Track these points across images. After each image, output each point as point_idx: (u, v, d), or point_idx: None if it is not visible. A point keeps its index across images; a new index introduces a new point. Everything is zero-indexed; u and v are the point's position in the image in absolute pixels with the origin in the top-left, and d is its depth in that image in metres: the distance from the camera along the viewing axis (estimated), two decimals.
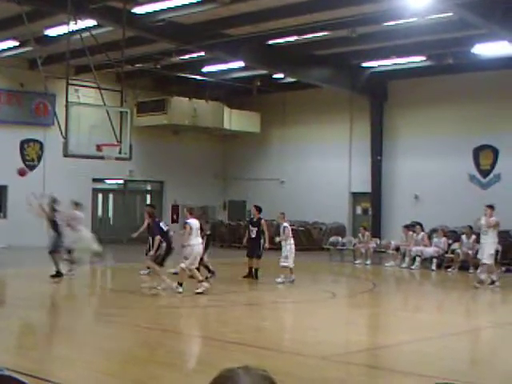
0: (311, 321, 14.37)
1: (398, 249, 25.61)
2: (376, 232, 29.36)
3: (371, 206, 31.24)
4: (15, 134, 29.70)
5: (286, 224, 19.89)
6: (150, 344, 11.67)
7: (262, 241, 20.06)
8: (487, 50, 24.23)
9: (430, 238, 25.44)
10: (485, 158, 27.84)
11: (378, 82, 29.94)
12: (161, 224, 17.71)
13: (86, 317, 14.89)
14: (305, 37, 24.12)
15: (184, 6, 20.38)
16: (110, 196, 34.58)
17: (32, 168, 30.36)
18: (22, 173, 22.18)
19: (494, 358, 11.63)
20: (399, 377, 9.59)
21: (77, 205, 20.61)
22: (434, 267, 24.19)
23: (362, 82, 29.45)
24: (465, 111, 28.23)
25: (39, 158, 30.56)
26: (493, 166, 27.65)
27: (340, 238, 28.74)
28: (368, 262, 26.09)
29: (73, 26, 20.83)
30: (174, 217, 34.22)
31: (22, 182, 29.63)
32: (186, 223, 16.96)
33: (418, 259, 24.75)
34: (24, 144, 30.27)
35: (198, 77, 30.48)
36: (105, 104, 22.23)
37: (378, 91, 30.44)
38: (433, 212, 27.78)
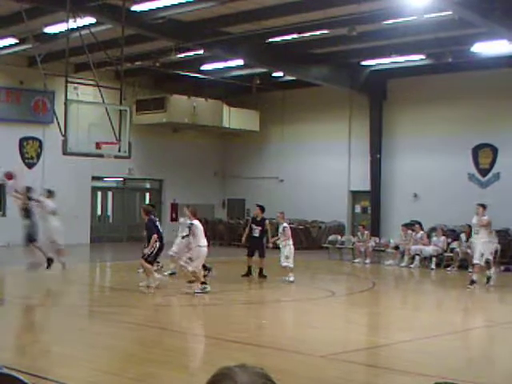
0: (310, 319, 14.37)
1: (397, 247, 25.62)
2: (375, 231, 29.37)
3: (370, 204, 31.25)
4: (14, 132, 29.67)
5: (285, 224, 19.87)
6: (148, 342, 11.66)
7: (264, 240, 20.12)
8: (486, 48, 24.22)
9: (429, 236, 25.46)
10: (484, 156, 27.84)
11: (377, 81, 29.93)
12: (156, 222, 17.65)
13: (85, 315, 14.90)
14: (304, 35, 24.10)
15: (183, 4, 20.37)
16: (109, 194, 34.57)
17: (31, 166, 30.36)
18: (8, 177, 21.85)
19: (493, 357, 11.64)
20: (398, 376, 9.58)
21: (50, 193, 20.63)
22: (433, 266, 24.20)
23: (361, 80, 29.44)
24: (464, 110, 28.23)
25: (38, 156, 30.54)
26: (492, 164, 27.65)
27: (339, 237, 28.75)
28: (367, 260, 26.10)
29: (72, 24, 20.81)
30: (173, 215, 34.20)
31: (22, 180, 29.64)
32: (192, 225, 16.71)
33: (417, 258, 24.77)
34: (23, 142, 30.24)
35: (198, 75, 30.45)
36: (104, 102, 22.22)
37: (378, 90, 30.43)
38: (432, 211, 27.78)
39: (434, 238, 25.08)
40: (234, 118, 33.28)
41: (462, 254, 23.73)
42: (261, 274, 19.95)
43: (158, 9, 21.09)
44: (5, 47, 26.43)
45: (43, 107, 29.84)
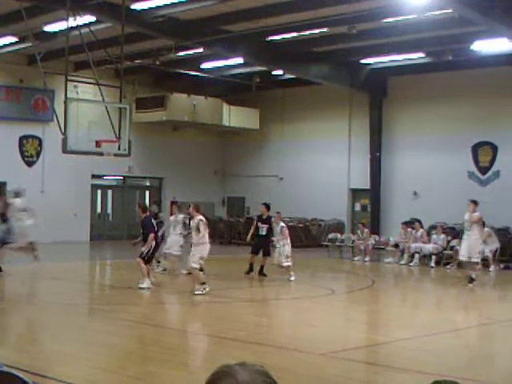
0: (310, 317, 14.37)
1: (396, 245, 25.64)
2: (375, 228, 29.39)
3: (370, 202, 31.26)
4: (14, 130, 29.67)
5: (283, 224, 19.81)
6: (148, 340, 11.68)
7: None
8: (486, 46, 24.24)
9: (428, 234, 25.47)
10: (484, 154, 27.84)
11: (377, 79, 29.93)
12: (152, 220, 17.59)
13: (84, 313, 14.91)
14: (304, 33, 24.11)
15: (183, 2, 20.39)
16: (109, 192, 34.55)
17: (31, 164, 30.37)
18: None
19: (492, 355, 11.65)
20: (397, 374, 9.59)
21: (16, 194, 20.65)
22: (432, 264, 24.21)
23: (361, 78, 29.45)
24: (464, 108, 28.23)
25: (38, 155, 30.53)
26: (492, 162, 27.66)
27: (339, 235, 28.76)
28: (367, 258, 26.11)
29: (72, 22, 20.80)
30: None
31: (22, 179, 29.65)
32: (201, 221, 16.37)
33: (416, 256, 24.78)
34: (23, 140, 30.24)
35: (198, 73, 30.46)
36: (104, 100, 22.22)
37: (377, 88, 30.43)
38: (432, 209, 27.79)
39: (434, 236, 25.09)
40: (234, 116, 33.28)
41: None
42: (261, 272, 19.95)
43: (158, 7, 21.10)
44: (5, 45, 26.44)
45: (43, 105, 29.84)
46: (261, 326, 13.34)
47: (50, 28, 23.69)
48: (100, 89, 21.99)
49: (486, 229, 23.69)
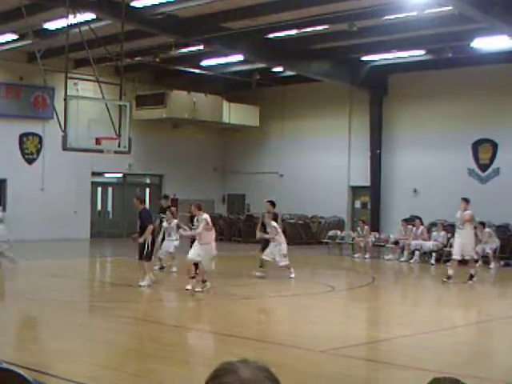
0: (310, 314, 14.39)
1: (396, 242, 25.64)
2: (375, 226, 29.39)
3: (370, 199, 31.26)
4: (14, 128, 29.67)
5: (274, 223, 19.59)
6: (148, 337, 11.69)
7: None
8: (487, 44, 24.22)
9: (429, 231, 25.47)
10: (484, 152, 27.84)
11: (377, 76, 29.91)
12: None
13: (85, 310, 14.92)
14: (304, 30, 24.09)
15: (183, 0, 20.37)
16: (110, 190, 34.56)
17: (31, 162, 30.37)
18: None
19: (493, 352, 11.67)
20: (397, 370, 9.60)
21: None
22: (433, 261, 24.21)
23: (361, 75, 29.43)
24: (464, 105, 28.23)
25: (38, 152, 30.53)
26: (492, 160, 27.66)
27: (339, 232, 28.76)
28: (367, 255, 26.12)
29: (72, 20, 20.81)
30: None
31: (22, 176, 29.71)
32: (206, 219, 16.02)
33: (416, 253, 24.78)
34: (23, 137, 30.23)
35: (197, 70, 30.46)
36: (104, 97, 22.23)
37: (378, 85, 30.42)
38: (432, 206, 27.78)
39: (434, 233, 25.09)
40: (234, 113, 33.29)
41: None
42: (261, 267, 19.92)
43: (158, 4, 21.09)
44: (5, 43, 26.43)
45: (43, 103, 29.84)
46: (261, 323, 13.35)
47: (50, 25, 23.67)
48: (100, 86, 22.00)
49: (486, 229, 23.76)
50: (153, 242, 17.02)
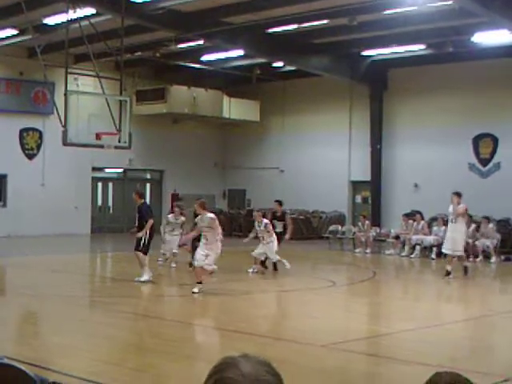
0: (311, 309, 14.39)
1: (397, 237, 25.65)
2: (376, 220, 29.39)
3: (371, 194, 31.26)
4: (14, 123, 29.65)
5: (266, 221, 19.49)
6: (149, 332, 11.70)
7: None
8: (487, 38, 24.19)
9: (429, 226, 25.48)
10: (484, 146, 27.83)
11: (377, 71, 29.88)
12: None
13: (85, 305, 14.93)
14: (304, 25, 24.05)
15: None
16: (110, 185, 34.54)
17: (31, 157, 30.36)
18: None
19: (494, 346, 11.67)
20: (399, 365, 9.60)
21: None
22: (433, 256, 24.22)
23: (361, 70, 29.40)
24: (465, 100, 28.19)
25: (38, 147, 30.52)
26: (492, 154, 27.64)
27: (340, 227, 28.79)
28: (368, 250, 26.13)
29: (72, 15, 20.80)
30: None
31: (22, 171, 29.72)
32: (211, 219, 15.56)
33: (417, 248, 24.80)
34: (23, 133, 30.22)
35: (198, 65, 30.43)
36: (104, 92, 22.22)
37: (378, 80, 30.39)
38: (432, 200, 27.74)
39: (435, 228, 25.09)
40: (234, 108, 33.27)
41: None
42: (263, 264, 19.93)
43: None
44: (5, 38, 26.38)
45: (43, 98, 29.82)
46: (262, 318, 13.35)
47: (50, 20, 23.64)
48: (100, 81, 21.98)
49: (490, 225, 23.81)
50: (151, 237, 16.90)
